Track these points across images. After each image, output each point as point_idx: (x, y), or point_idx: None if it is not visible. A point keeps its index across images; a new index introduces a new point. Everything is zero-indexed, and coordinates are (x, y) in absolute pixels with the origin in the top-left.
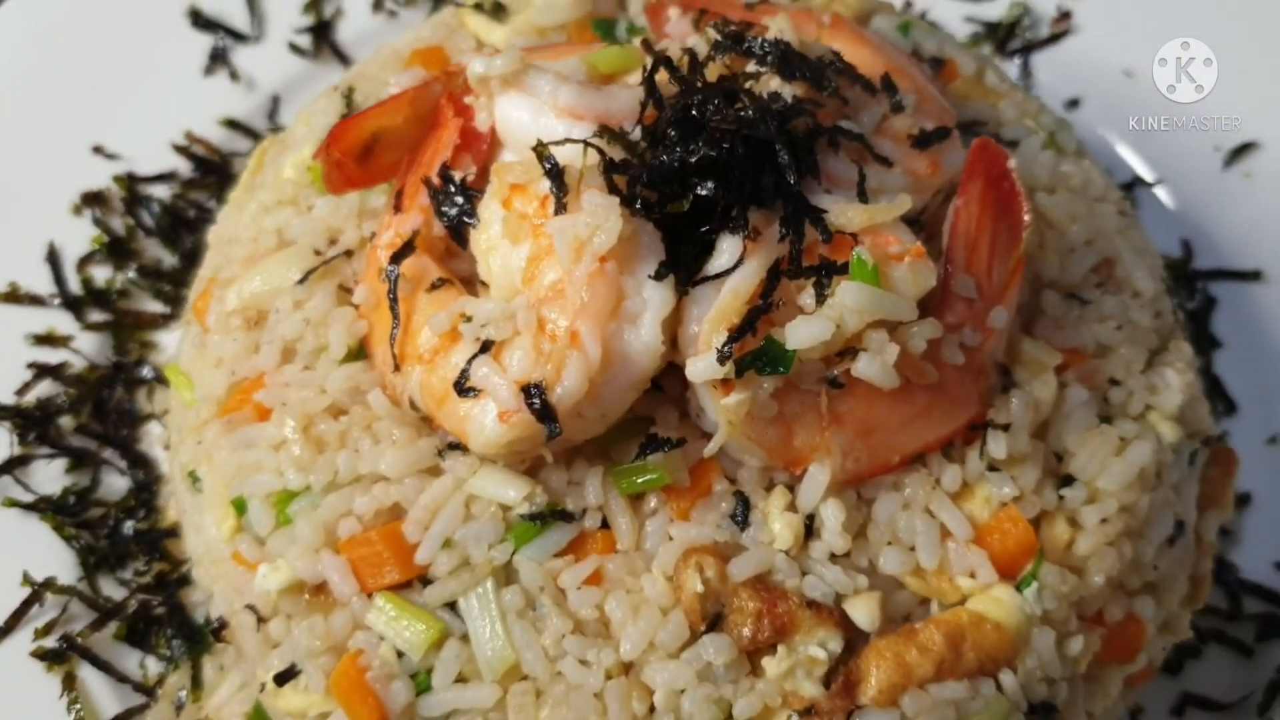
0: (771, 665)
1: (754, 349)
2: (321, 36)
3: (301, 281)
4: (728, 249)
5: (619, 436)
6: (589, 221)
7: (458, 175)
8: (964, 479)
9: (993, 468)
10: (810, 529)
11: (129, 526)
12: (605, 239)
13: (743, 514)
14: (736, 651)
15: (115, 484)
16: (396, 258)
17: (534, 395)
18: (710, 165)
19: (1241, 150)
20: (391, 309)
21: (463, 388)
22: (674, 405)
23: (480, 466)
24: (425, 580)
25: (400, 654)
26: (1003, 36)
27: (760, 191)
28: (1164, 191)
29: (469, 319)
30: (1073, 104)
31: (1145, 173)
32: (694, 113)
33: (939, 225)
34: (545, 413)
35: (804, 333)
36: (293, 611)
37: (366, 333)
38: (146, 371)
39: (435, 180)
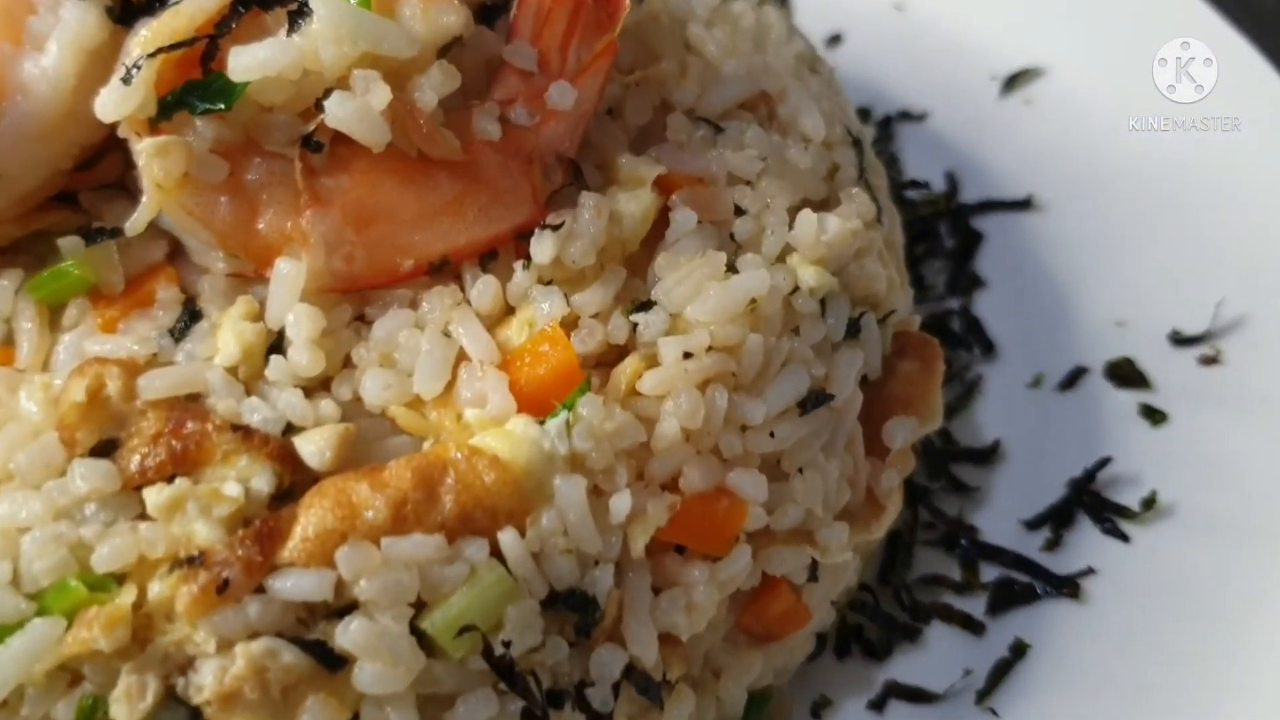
0: (152, 495)
1: (189, 82)
2: None
3: None
4: None
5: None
6: None
7: None
8: (505, 299)
9: (547, 284)
10: (280, 349)
11: None
12: None
13: (185, 325)
14: (119, 484)
15: None
16: None
17: None
18: None
19: (1019, 77)
20: None
21: None
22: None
23: None
24: None
25: None
26: None
27: None
28: (934, 125)
29: None
30: (835, 40)
31: (914, 106)
32: None
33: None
34: None
35: (255, 56)
36: None
37: None
38: None
39: None
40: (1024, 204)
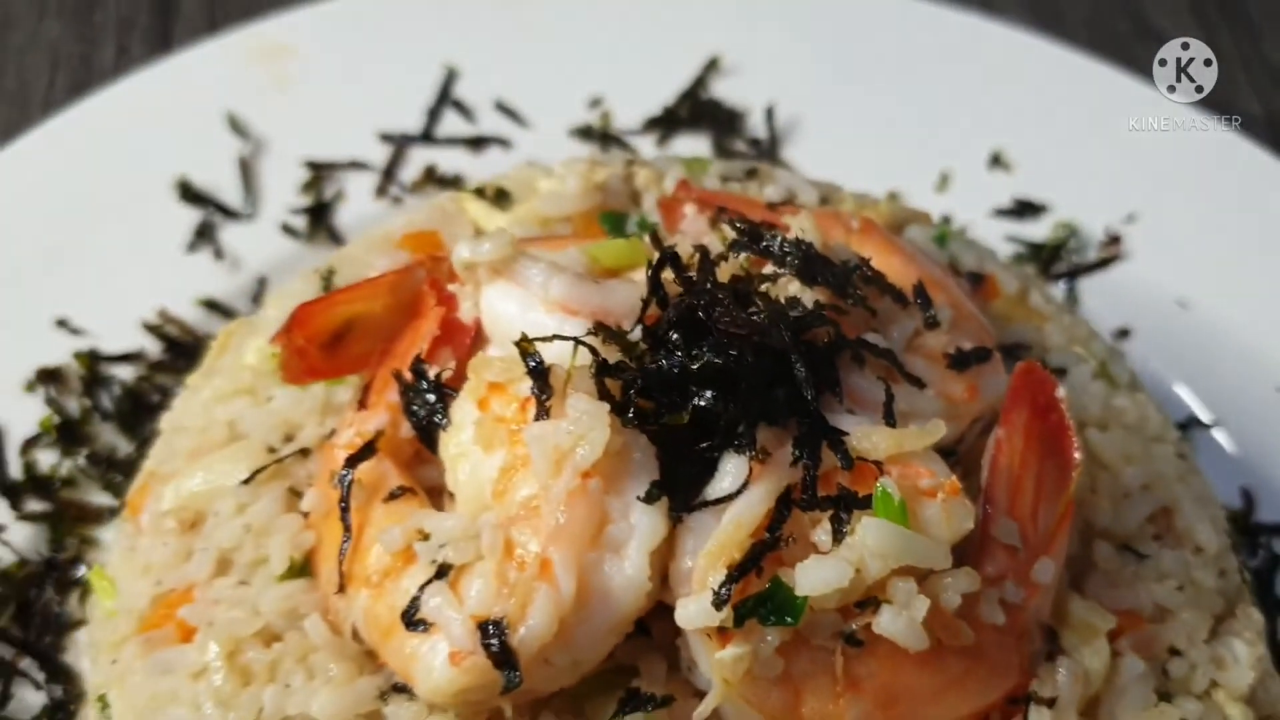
0: None
1: (758, 592)
2: (318, 219)
3: (247, 481)
4: (731, 471)
5: (594, 689)
6: (572, 430)
7: (433, 370)
8: None
9: None
10: None
11: None
12: (590, 451)
13: None
14: None
15: (29, 699)
16: (353, 460)
17: (493, 635)
18: (715, 374)
19: None
20: (342, 519)
21: (412, 619)
22: (662, 654)
23: (428, 716)
24: None
25: None
26: (1047, 259)
27: (771, 406)
28: (1222, 435)
29: (426, 537)
30: (1122, 334)
31: (1202, 413)
32: (700, 314)
33: (976, 460)
34: (504, 657)
35: (817, 576)
36: None
37: (313, 545)
38: (82, 571)
39: (407, 374)
40: None
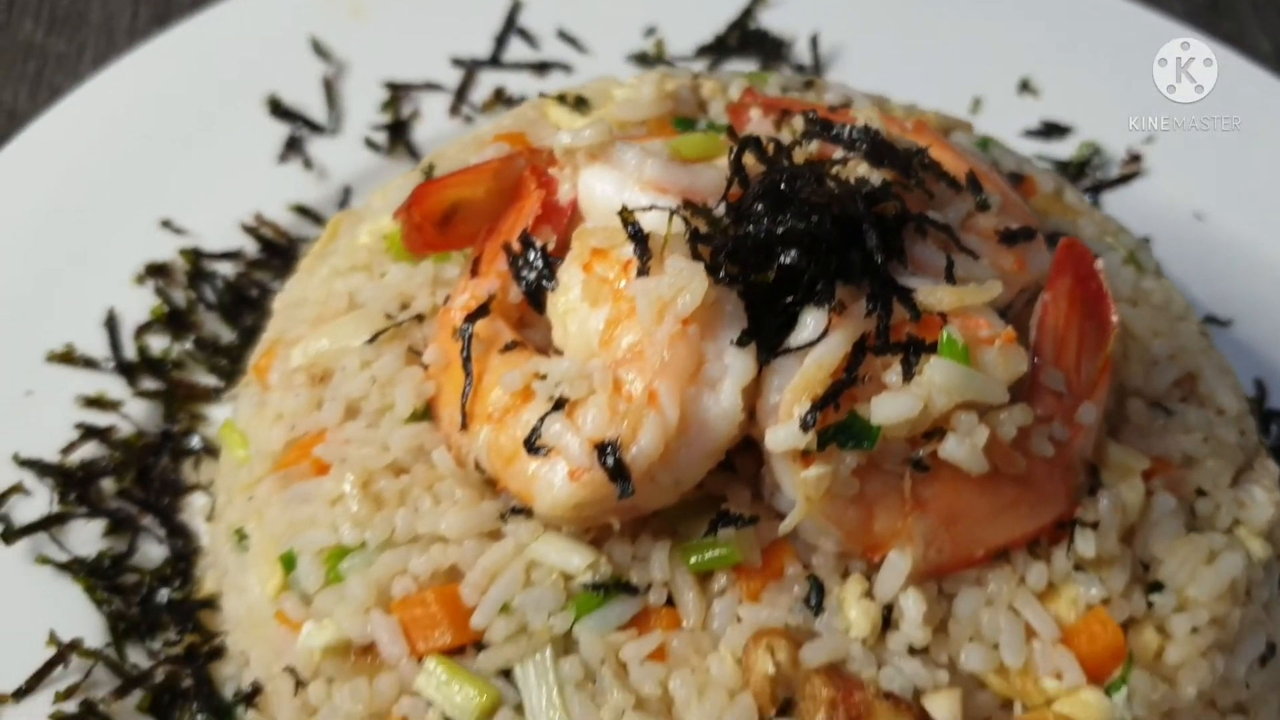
0: None
1: (837, 422)
2: (397, 135)
3: (370, 342)
4: (812, 322)
5: (688, 514)
6: (673, 283)
7: (538, 242)
8: (1050, 579)
9: (1079, 568)
10: (887, 620)
11: (163, 595)
12: (691, 299)
13: (817, 599)
14: None
15: (152, 552)
16: (472, 317)
17: (608, 453)
18: (798, 236)
19: None
20: (465, 367)
21: (533, 445)
22: (746, 485)
23: (543, 533)
24: (479, 646)
25: None
26: (1072, 175)
27: (847, 266)
28: (1236, 334)
29: (543, 377)
30: (1144, 242)
31: (1217, 313)
32: (783, 186)
33: (1023, 327)
34: (619, 471)
35: (890, 408)
36: (335, 674)
37: (434, 395)
38: (195, 442)
39: (515, 245)
40: None
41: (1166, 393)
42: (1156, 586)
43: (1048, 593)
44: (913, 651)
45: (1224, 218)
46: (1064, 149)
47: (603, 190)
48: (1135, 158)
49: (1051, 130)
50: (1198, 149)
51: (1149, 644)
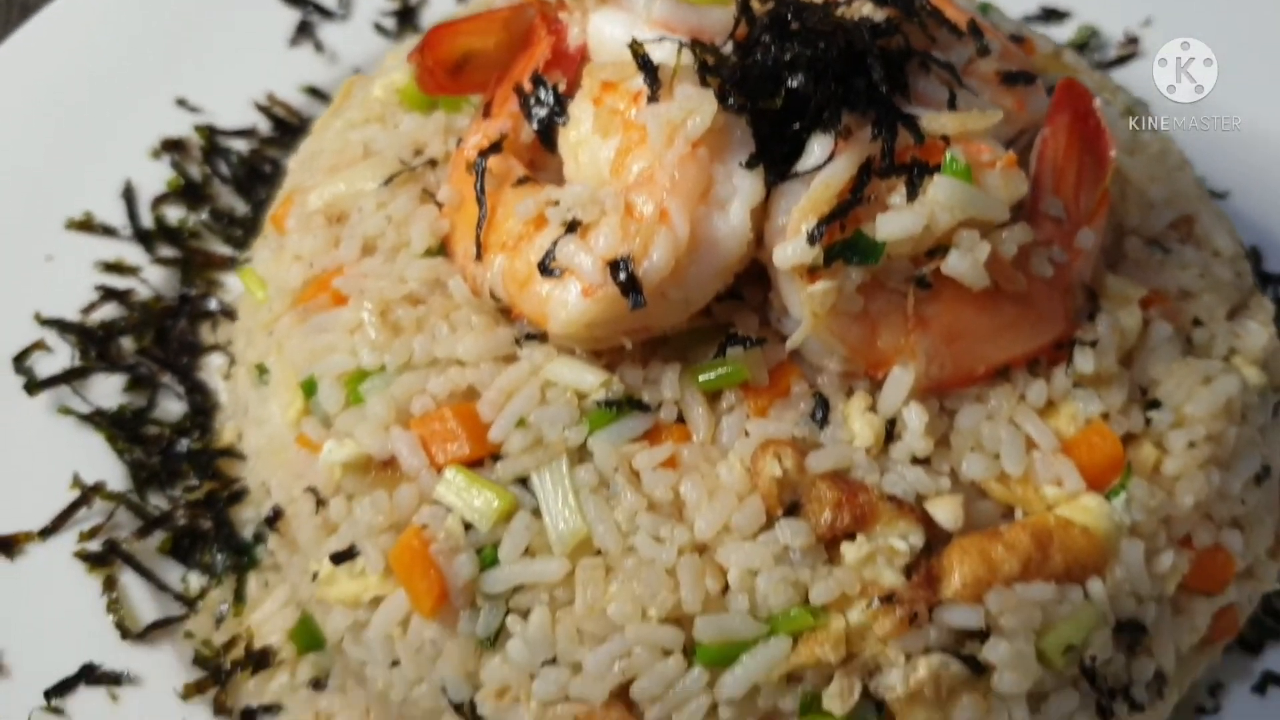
0: (851, 551)
1: (843, 240)
2: (406, 19)
3: (385, 184)
4: (819, 147)
5: (697, 341)
6: (683, 106)
7: (549, 81)
8: (1049, 396)
9: (1078, 385)
10: (891, 434)
11: (183, 445)
12: (699, 122)
13: (822, 414)
14: (814, 538)
15: (172, 407)
16: (486, 153)
17: (621, 269)
18: (804, 63)
19: None
20: (478, 200)
21: (547, 267)
22: (754, 312)
23: (558, 356)
24: (496, 459)
25: (467, 528)
26: None
27: (853, 94)
28: (1233, 205)
29: (556, 204)
30: (1141, 102)
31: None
32: (790, 18)
33: (1024, 167)
34: (631, 284)
35: (894, 224)
36: (355, 490)
37: (448, 232)
38: (213, 305)
39: (526, 85)
40: None
41: (1163, 233)
42: (1154, 405)
43: (1047, 409)
44: (915, 461)
45: (1219, 94)
46: (1062, 33)
47: (612, 32)
48: (1132, 40)
49: (1050, 14)
50: (1194, 30)
51: (1147, 458)
